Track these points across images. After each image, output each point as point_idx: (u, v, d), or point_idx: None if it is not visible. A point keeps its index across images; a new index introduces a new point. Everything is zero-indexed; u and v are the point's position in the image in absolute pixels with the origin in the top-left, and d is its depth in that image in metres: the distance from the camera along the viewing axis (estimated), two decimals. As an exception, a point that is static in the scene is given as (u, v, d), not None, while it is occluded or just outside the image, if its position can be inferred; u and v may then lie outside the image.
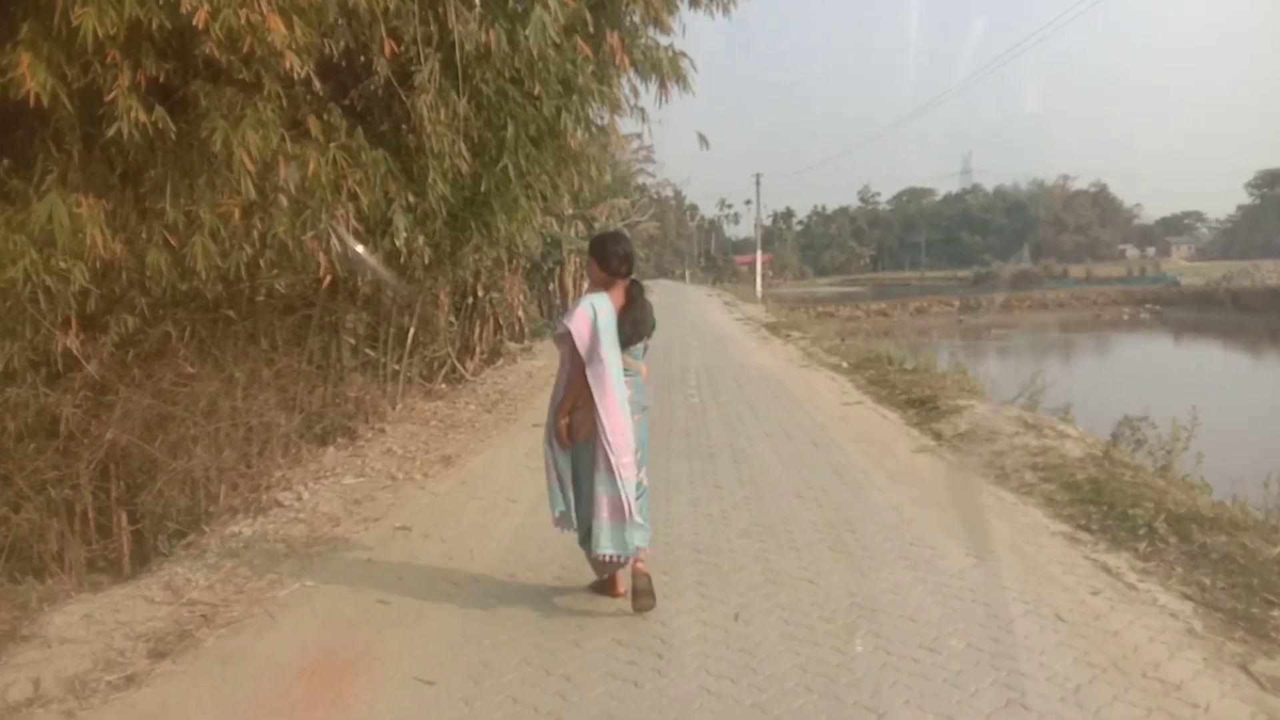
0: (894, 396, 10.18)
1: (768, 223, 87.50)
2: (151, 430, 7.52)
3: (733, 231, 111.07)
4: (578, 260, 26.18)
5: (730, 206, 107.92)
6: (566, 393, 4.19)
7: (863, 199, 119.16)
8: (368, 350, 10.67)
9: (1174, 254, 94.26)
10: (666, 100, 8.54)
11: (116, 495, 7.68)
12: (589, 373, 4.04)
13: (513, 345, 18.41)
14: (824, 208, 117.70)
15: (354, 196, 6.88)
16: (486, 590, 4.52)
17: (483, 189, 8.14)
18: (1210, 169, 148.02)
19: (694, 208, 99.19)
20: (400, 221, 7.22)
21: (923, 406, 9.28)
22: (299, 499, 6.49)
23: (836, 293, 71.58)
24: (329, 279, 7.09)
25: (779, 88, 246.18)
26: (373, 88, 7.79)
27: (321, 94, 7.62)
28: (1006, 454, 7.01)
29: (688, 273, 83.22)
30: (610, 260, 4.18)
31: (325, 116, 7.10)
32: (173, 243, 6.22)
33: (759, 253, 54.61)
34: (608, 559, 4.13)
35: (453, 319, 15.06)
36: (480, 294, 16.51)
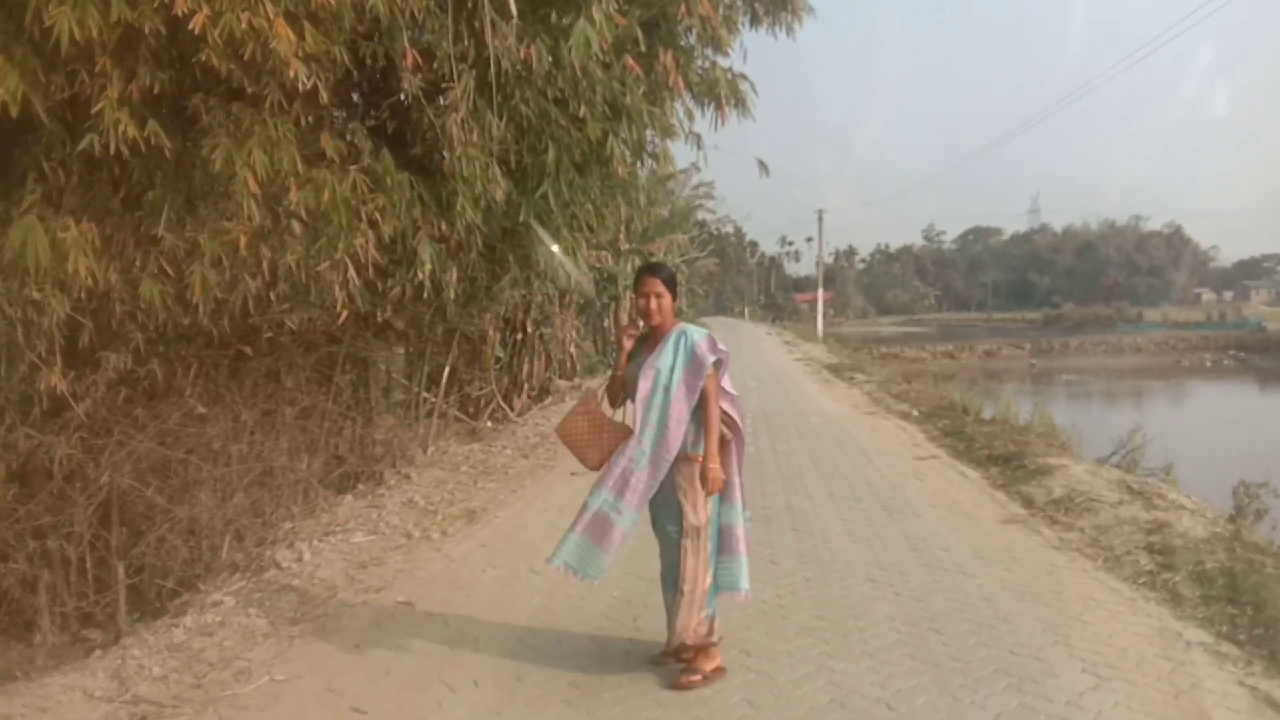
0: (972, 451, 9.18)
1: (830, 260, 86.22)
2: (155, 475, 6.93)
3: (793, 269, 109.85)
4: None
5: (791, 243, 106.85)
6: (713, 428, 3.77)
7: (927, 238, 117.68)
8: (403, 382, 10.05)
9: (1253, 298, 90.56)
10: (723, 123, 7.83)
11: (117, 544, 7.08)
12: (735, 401, 3.93)
13: (562, 383, 17.73)
14: (887, 246, 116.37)
15: (375, 224, 6.26)
16: (486, 699, 3.71)
17: (521, 218, 7.46)
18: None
19: (754, 244, 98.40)
20: (426, 252, 6.55)
21: (1007, 464, 8.27)
22: (299, 559, 5.79)
23: (900, 333, 69.93)
24: (346, 314, 6.45)
25: (842, 122, 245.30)
26: (405, 104, 7.23)
27: (342, 111, 7.07)
28: (1113, 529, 6.01)
29: (747, 310, 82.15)
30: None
31: (347, 136, 6.53)
32: (170, 272, 5.64)
33: (820, 290, 53.44)
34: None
35: (500, 354, 14.46)
36: (530, 329, 15.92)
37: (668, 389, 3.75)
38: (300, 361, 8.08)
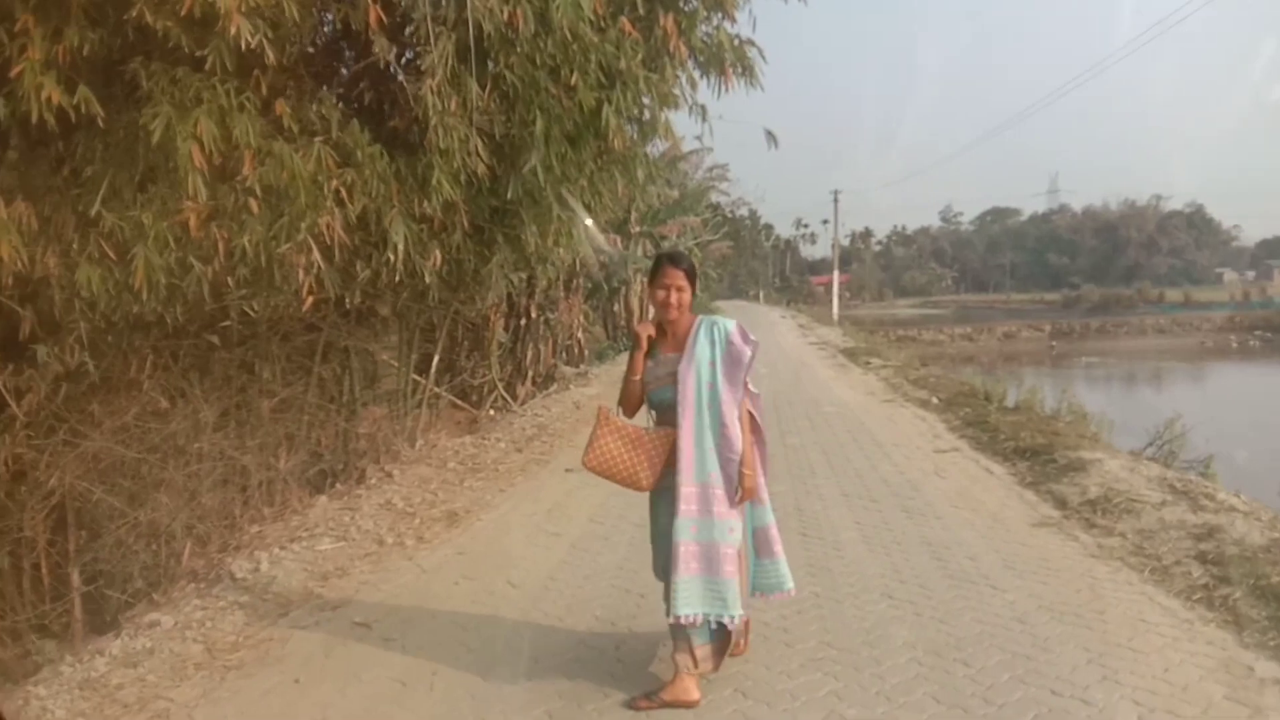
0: (997, 443, 8.55)
1: (846, 242, 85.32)
2: (114, 474, 6.44)
3: (809, 251, 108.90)
4: (644, 280, 24.95)
5: (807, 226, 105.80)
6: (746, 428, 3.54)
7: (944, 219, 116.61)
8: (393, 364, 9.48)
9: (1276, 278, 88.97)
10: (727, 90, 7.21)
11: (74, 549, 6.60)
12: (756, 400, 3.68)
13: (567, 370, 17.21)
14: (904, 228, 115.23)
15: (343, 202, 5.73)
16: (437, 752, 3.18)
17: (509, 196, 6.89)
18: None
19: (769, 227, 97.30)
20: (399, 232, 5.99)
21: (1035, 458, 7.65)
22: (256, 569, 5.27)
23: (917, 315, 69.05)
24: (311, 299, 5.91)
25: (860, 100, 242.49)
26: (383, 72, 6.71)
27: (312, 81, 6.51)
28: (1158, 535, 5.41)
29: (761, 293, 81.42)
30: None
31: (316, 106, 5.99)
32: (112, 256, 5.12)
33: (835, 273, 52.65)
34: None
35: (503, 340, 13.96)
36: (534, 314, 15.42)
37: (713, 385, 3.45)
38: (276, 351, 7.57)
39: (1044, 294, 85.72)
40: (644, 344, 3.56)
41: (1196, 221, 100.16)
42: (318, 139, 5.64)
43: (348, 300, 6.93)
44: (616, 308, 26.06)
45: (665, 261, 3.59)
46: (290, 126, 5.39)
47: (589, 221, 7.91)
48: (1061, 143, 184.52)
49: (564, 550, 5.54)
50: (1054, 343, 48.43)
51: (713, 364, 3.46)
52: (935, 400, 11.90)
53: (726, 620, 3.36)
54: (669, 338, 3.58)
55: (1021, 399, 11.18)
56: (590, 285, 21.57)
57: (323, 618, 4.50)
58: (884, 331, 39.34)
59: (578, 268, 16.90)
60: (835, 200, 51.79)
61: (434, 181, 6.00)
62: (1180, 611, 4.29)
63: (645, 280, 21.37)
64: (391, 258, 5.91)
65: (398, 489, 7.11)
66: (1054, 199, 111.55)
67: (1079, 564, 5.04)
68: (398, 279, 6.38)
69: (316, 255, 5.61)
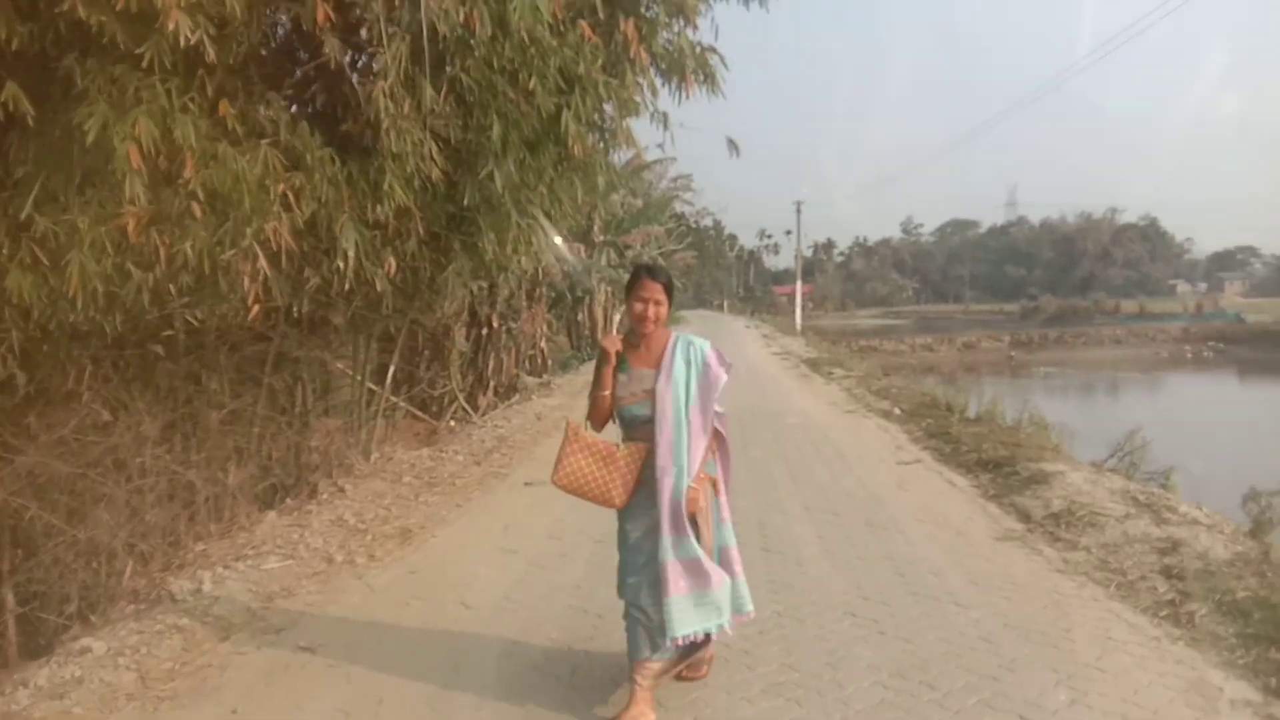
0: (959, 454, 8.52)
1: (808, 253, 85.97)
2: (50, 490, 6.16)
3: (772, 262, 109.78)
4: (608, 290, 24.84)
5: (770, 237, 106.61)
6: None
7: (905, 230, 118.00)
8: (347, 373, 9.22)
9: (1227, 289, 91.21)
10: (688, 97, 7.11)
11: (10, 567, 6.30)
12: (723, 419, 3.60)
13: (530, 380, 17.01)
14: (865, 239, 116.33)
15: (289, 206, 5.52)
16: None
17: (466, 203, 6.73)
18: (1262, 203, 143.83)
19: (733, 238, 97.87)
20: (350, 238, 5.79)
21: (998, 470, 7.61)
22: (198, 589, 5.03)
23: (879, 325, 69.53)
24: (257, 308, 5.69)
25: (821, 115, 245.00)
26: (334, 73, 6.49)
27: (261, 84, 6.31)
28: (1122, 549, 5.35)
29: (726, 303, 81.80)
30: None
31: (264, 108, 5.78)
32: (46, 261, 4.87)
33: (799, 283, 52.87)
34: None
35: (464, 349, 13.74)
36: (496, 324, 15.21)
37: (685, 404, 3.42)
38: (224, 362, 7.31)
39: (1003, 304, 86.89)
40: (612, 359, 3.46)
41: (1150, 234, 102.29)
42: (265, 141, 5.44)
43: (296, 309, 6.71)
44: (581, 317, 25.90)
45: (644, 274, 3.50)
46: (235, 128, 5.18)
47: (558, 239, 7.82)
48: (1021, 156, 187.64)
49: (521, 568, 5.37)
50: (1013, 353, 48.91)
51: (688, 383, 3.42)
52: (897, 411, 11.88)
53: (728, 627, 3.40)
54: (641, 351, 3.49)
55: (983, 410, 11.19)
56: (554, 294, 21.39)
57: (265, 641, 4.29)
58: (846, 342, 39.44)
59: (540, 276, 16.73)
60: (798, 211, 52.14)
61: (386, 186, 5.82)
62: (1148, 629, 4.22)
63: (610, 290, 21.16)
64: (342, 265, 5.71)
65: (350, 504, 6.89)
66: (1012, 211, 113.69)
67: (1044, 579, 4.97)
68: (348, 287, 6.18)
69: (263, 262, 5.38)
